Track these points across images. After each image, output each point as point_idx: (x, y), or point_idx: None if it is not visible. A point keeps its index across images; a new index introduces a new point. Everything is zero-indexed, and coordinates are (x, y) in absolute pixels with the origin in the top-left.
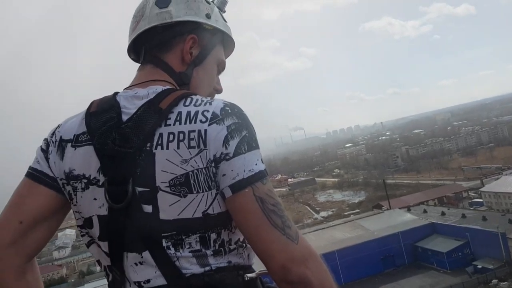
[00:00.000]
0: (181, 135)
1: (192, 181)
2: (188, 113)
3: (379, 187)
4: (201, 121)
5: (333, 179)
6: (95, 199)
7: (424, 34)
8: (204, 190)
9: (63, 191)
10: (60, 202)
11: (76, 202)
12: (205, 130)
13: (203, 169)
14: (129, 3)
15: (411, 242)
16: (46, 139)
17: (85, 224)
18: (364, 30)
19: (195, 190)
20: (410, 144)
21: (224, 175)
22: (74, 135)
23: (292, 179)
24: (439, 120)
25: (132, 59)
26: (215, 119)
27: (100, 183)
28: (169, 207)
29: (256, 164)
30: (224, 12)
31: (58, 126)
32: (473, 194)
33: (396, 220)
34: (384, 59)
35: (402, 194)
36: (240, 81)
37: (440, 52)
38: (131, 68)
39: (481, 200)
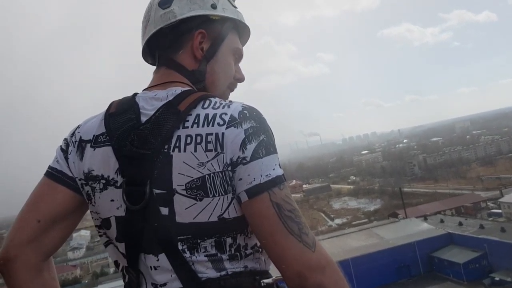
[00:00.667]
0: (199, 137)
1: (208, 185)
2: (206, 115)
3: (395, 195)
4: (218, 124)
5: (349, 186)
6: (113, 200)
7: (444, 41)
8: (220, 194)
9: (81, 191)
10: (78, 202)
11: (94, 202)
12: (223, 134)
13: (220, 173)
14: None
15: (427, 252)
16: (65, 139)
17: (103, 224)
18: (382, 36)
19: (211, 193)
20: (427, 152)
21: (240, 179)
22: (94, 135)
23: (307, 185)
24: (458, 128)
25: (150, 63)
26: (232, 122)
27: (118, 184)
28: (185, 210)
29: (273, 169)
30: None
31: (78, 127)
32: (491, 205)
33: (412, 229)
34: (403, 65)
35: (418, 203)
36: (256, 86)
37: (459, 59)
38: (148, 69)
39: (499, 211)
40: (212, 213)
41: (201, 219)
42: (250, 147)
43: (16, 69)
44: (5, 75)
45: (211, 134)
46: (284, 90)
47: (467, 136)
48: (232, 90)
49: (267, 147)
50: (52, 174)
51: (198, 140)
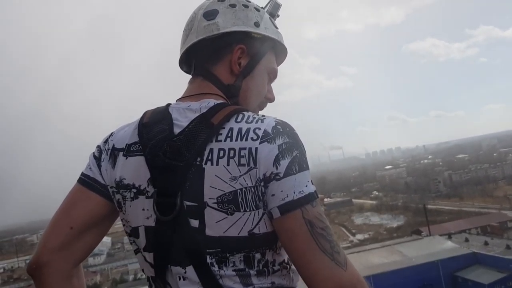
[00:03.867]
0: (232, 152)
1: (240, 199)
2: (240, 130)
3: (419, 212)
4: (252, 138)
5: (371, 201)
6: (143, 209)
7: (470, 56)
8: (252, 209)
9: (112, 199)
10: (109, 209)
11: (125, 211)
12: (256, 149)
13: (252, 188)
14: (179, 13)
15: (451, 272)
16: (99, 146)
17: (132, 233)
18: (407, 50)
19: (242, 208)
20: (453, 169)
21: (273, 195)
22: (126, 144)
23: (329, 199)
24: (485, 145)
25: (185, 71)
26: (266, 137)
27: (149, 194)
28: (216, 224)
29: (306, 186)
30: (278, 16)
31: (111, 134)
32: None
33: (435, 247)
34: (428, 80)
35: (443, 221)
36: (279, 98)
37: (487, 75)
38: (171, 79)
39: None
40: (242, 228)
41: (231, 233)
42: (284, 163)
43: (43, 76)
44: (33, 82)
45: (244, 148)
46: (307, 102)
47: (494, 154)
48: (261, 109)
49: (300, 163)
50: (85, 181)
51: (231, 154)
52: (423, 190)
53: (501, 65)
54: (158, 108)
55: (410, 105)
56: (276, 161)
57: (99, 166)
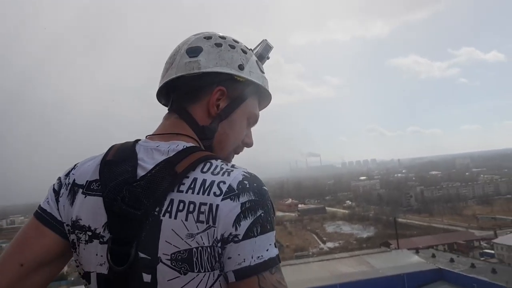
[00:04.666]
0: (192, 206)
1: (194, 259)
2: (204, 181)
3: (389, 224)
4: (215, 193)
5: (344, 211)
6: (97, 255)
7: (451, 76)
8: (206, 270)
9: (68, 237)
10: (64, 248)
11: (79, 253)
12: (217, 206)
13: (208, 248)
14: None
15: (415, 286)
16: (59, 179)
17: (84, 277)
18: (390, 65)
19: (196, 268)
20: (425, 185)
21: (230, 258)
22: (87, 181)
23: (303, 205)
24: (458, 164)
25: (163, 104)
26: (230, 193)
27: (104, 239)
28: (167, 282)
29: (267, 250)
30: (268, 58)
31: (74, 167)
32: (484, 244)
33: (402, 260)
34: (407, 96)
35: (412, 235)
36: None
37: (465, 96)
38: (155, 79)
39: (492, 251)
40: None
41: None
42: (244, 224)
43: (25, 62)
44: (14, 68)
45: (205, 204)
46: (289, 108)
47: (467, 173)
48: (237, 153)
49: (263, 224)
50: (41, 215)
51: (191, 209)
52: (395, 203)
53: (479, 87)
54: (125, 144)
55: (389, 119)
56: (237, 221)
57: (57, 201)
